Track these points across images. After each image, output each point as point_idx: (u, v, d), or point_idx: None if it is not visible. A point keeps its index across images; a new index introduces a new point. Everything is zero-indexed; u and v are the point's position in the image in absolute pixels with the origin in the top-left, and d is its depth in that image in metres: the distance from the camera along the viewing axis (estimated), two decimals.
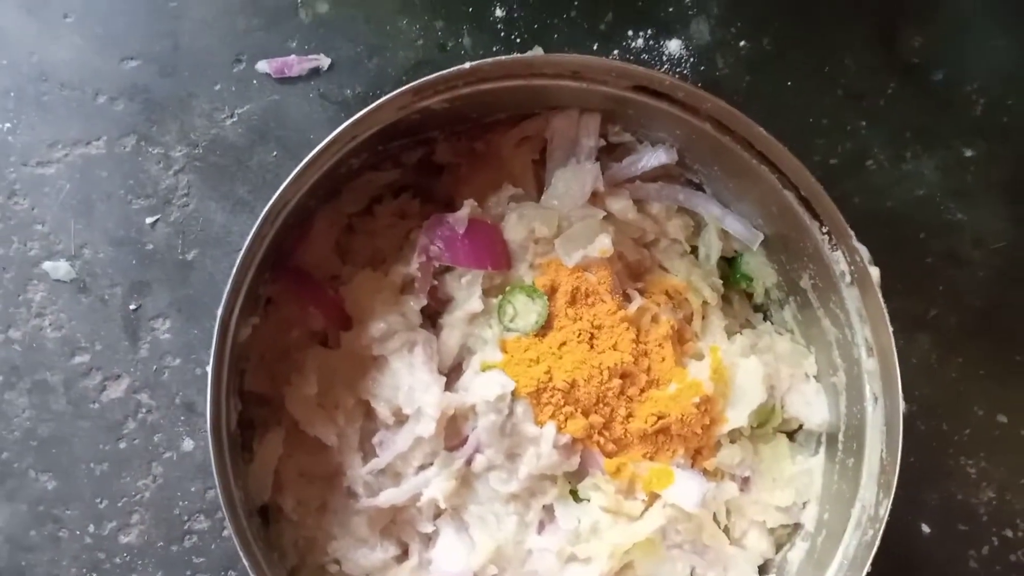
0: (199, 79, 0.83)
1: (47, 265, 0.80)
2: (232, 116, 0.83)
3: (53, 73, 0.82)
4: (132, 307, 0.80)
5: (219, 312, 0.61)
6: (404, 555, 0.71)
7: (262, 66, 0.83)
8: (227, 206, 0.81)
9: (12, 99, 0.81)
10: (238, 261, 0.62)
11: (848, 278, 0.69)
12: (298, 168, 0.64)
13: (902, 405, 0.65)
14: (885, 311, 0.67)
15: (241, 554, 0.60)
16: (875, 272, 0.67)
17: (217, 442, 0.61)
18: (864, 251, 0.67)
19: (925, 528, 0.85)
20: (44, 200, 0.80)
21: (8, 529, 0.77)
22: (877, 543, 0.65)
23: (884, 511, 0.65)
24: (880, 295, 0.67)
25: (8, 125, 0.81)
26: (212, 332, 0.62)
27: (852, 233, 0.67)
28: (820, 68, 0.89)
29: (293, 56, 0.83)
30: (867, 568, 0.65)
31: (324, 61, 0.83)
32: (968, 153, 0.90)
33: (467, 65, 0.65)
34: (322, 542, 0.70)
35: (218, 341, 0.61)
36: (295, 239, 0.71)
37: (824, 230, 0.69)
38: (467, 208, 0.71)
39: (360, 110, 0.64)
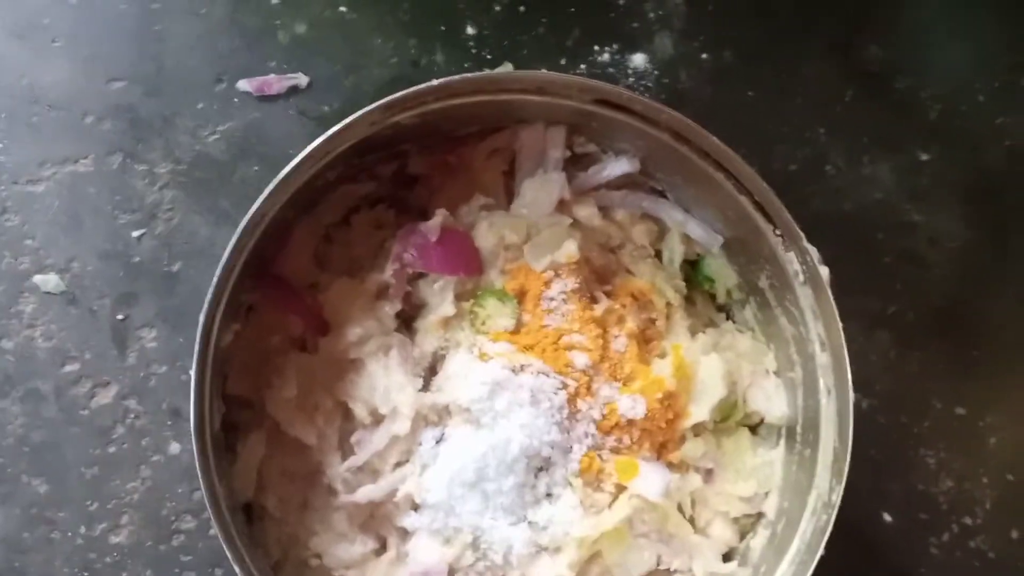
0: (183, 98, 0.85)
1: (38, 278, 0.82)
2: (215, 133, 0.85)
3: (42, 95, 0.84)
4: (120, 317, 0.82)
5: (201, 318, 0.64)
6: (382, 548, 0.73)
7: (243, 85, 0.85)
8: (211, 219, 0.84)
9: (3, 120, 0.83)
10: (218, 270, 0.64)
11: (801, 277, 0.72)
12: (275, 181, 0.66)
13: (852, 396, 0.68)
14: (835, 308, 0.69)
15: (226, 549, 0.62)
16: (824, 271, 0.70)
17: (201, 444, 0.63)
18: (814, 251, 0.70)
19: (887, 517, 0.87)
20: (34, 216, 0.82)
21: (2, 532, 0.79)
22: (830, 527, 0.67)
23: (837, 497, 0.68)
24: (830, 293, 0.69)
25: (0, 145, 0.83)
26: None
27: (802, 235, 0.70)
28: (781, 78, 0.92)
29: (273, 75, 0.86)
30: (821, 551, 0.67)
31: (303, 79, 0.86)
32: (924, 157, 0.93)
33: (435, 82, 0.68)
34: (304, 538, 0.71)
35: (200, 347, 0.64)
36: (275, 249, 0.73)
37: (777, 233, 0.72)
38: (439, 217, 0.74)
39: (336, 125, 0.67)
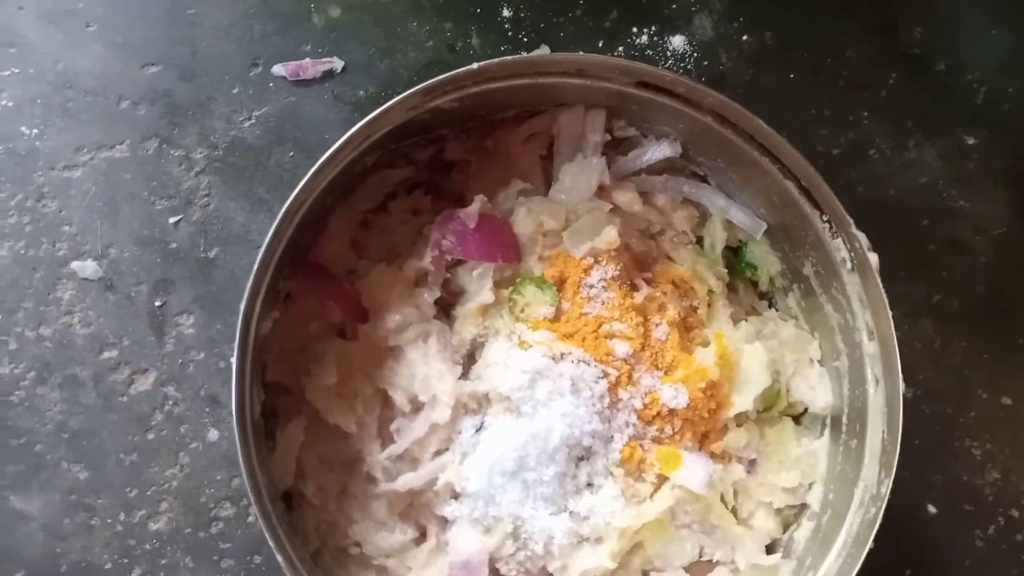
0: (217, 83, 0.85)
1: (75, 265, 0.82)
2: (250, 118, 0.85)
3: (77, 80, 0.84)
4: (157, 304, 0.82)
5: (242, 306, 0.64)
6: (422, 537, 0.73)
7: (278, 69, 0.85)
8: (246, 205, 0.84)
9: (39, 106, 0.83)
10: (259, 258, 0.64)
11: (849, 264, 0.71)
12: (315, 167, 0.66)
13: (902, 387, 0.67)
14: (884, 296, 0.68)
15: (267, 536, 0.62)
16: (874, 258, 0.68)
17: (242, 430, 0.63)
18: (863, 238, 0.69)
19: (932, 509, 0.86)
20: (71, 202, 0.83)
21: (43, 518, 0.80)
22: (879, 520, 0.67)
23: (886, 489, 0.67)
24: (879, 281, 0.68)
25: (36, 131, 0.83)
26: (234, 327, 0.64)
27: (851, 220, 0.69)
28: (822, 60, 0.91)
29: (307, 59, 0.85)
30: (870, 544, 0.67)
31: (337, 64, 0.86)
32: (969, 141, 0.91)
33: (475, 65, 0.67)
34: (343, 525, 0.72)
35: (241, 334, 0.64)
36: (312, 236, 0.73)
37: (824, 218, 0.70)
38: (478, 203, 0.73)
39: (373, 110, 0.67)
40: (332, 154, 0.66)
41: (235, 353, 0.63)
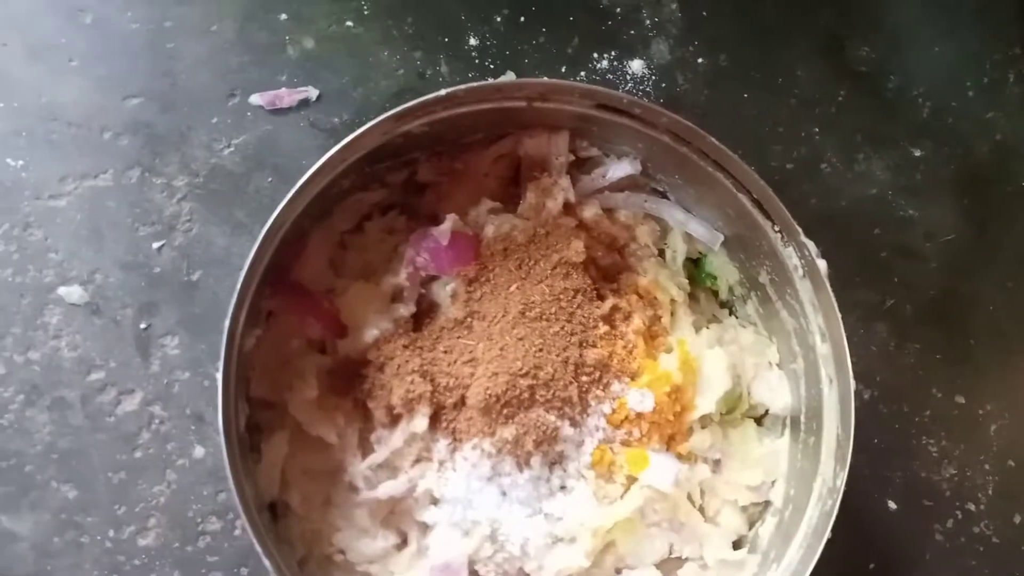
0: (197, 113, 0.88)
1: (62, 290, 0.84)
2: (229, 146, 0.88)
3: (61, 113, 0.86)
4: (143, 326, 0.84)
5: (226, 324, 0.66)
6: (404, 543, 0.75)
7: (255, 99, 0.88)
8: (227, 229, 0.86)
9: (24, 138, 0.86)
10: (241, 278, 0.67)
11: (800, 271, 0.74)
12: (292, 191, 0.68)
13: (852, 384, 0.70)
14: (834, 300, 0.72)
15: (255, 544, 0.63)
16: (823, 264, 0.72)
17: (229, 443, 0.65)
18: (812, 246, 0.72)
19: (892, 504, 0.89)
20: (57, 230, 0.85)
21: (33, 537, 0.81)
22: (835, 512, 0.69)
23: (841, 482, 0.70)
24: (828, 285, 0.72)
25: (21, 162, 0.85)
26: (217, 346, 0.66)
27: (800, 230, 0.72)
28: (774, 80, 0.95)
29: (284, 89, 0.89)
30: (828, 534, 0.69)
31: (312, 92, 0.89)
32: (916, 153, 0.96)
33: (443, 91, 0.70)
34: (327, 534, 0.73)
35: (226, 350, 0.66)
36: (292, 256, 0.75)
37: (776, 229, 0.74)
38: (450, 222, 0.76)
39: (347, 136, 0.69)
40: (309, 178, 0.69)
41: (220, 368, 0.65)
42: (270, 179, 0.87)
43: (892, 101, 0.96)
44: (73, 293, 0.84)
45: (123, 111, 0.87)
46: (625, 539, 0.75)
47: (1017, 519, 0.90)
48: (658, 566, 0.76)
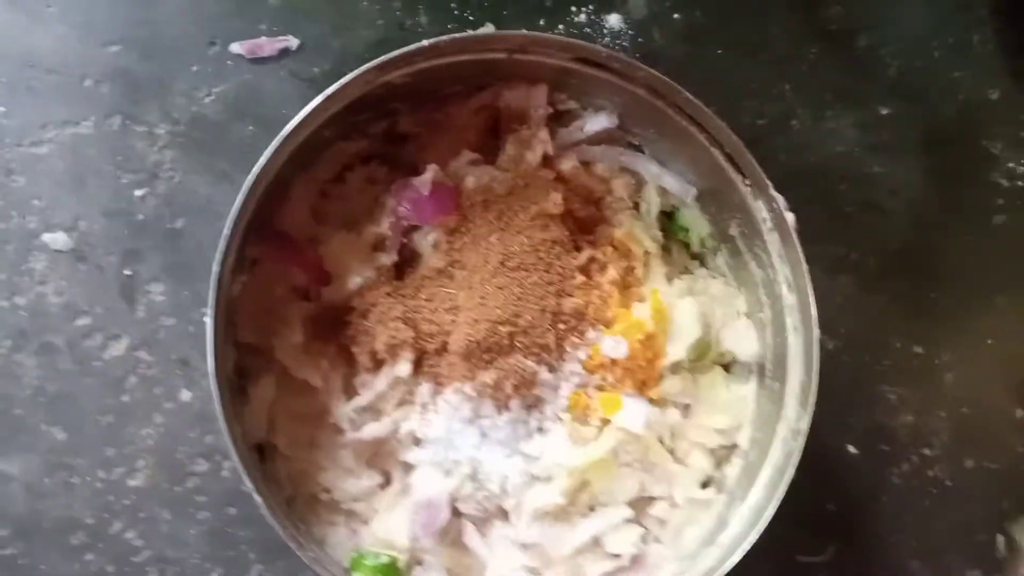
0: (177, 62, 0.88)
1: (46, 237, 0.84)
2: (210, 95, 0.88)
3: (40, 60, 0.86)
4: (127, 273, 0.85)
5: (214, 270, 0.67)
6: (387, 482, 0.77)
7: (235, 48, 0.88)
8: (210, 178, 0.87)
9: (3, 85, 0.85)
10: (228, 225, 0.67)
11: (769, 224, 0.76)
12: (276, 140, 0.69)
13: (816, 331, 0.73)
14: (800, 250, 0.74)
15: (245, 480, 0.65)
16: (790, 217, 0.74)
17: (219, 386, 0.66)
18: (781, 199, 0.74)
19: (852, 449, 0.92)
20: (39, 177, 0.85)
21: (24, 478, 0.82)
22: (798, 453, 0.72)
23: (804, 424, 0.73)
24: (796, 238, 0.74)
25: (2, 109, 0.85)
26: (202, 293, 0.67)
27: (769, 184, 0.74)
28: (748, 37, 0.96)
29: (264, 38, 0.88)
30: (790, 474, 0.72)
31: (293, 42, 0.89)
32: (884, 112, 0.97)
33: (425, 42, 0.71)
34: (313, 474, 0.75)
35: (215, 296, 0.67)
36: (275, 205, 0.76)
37: (747, 183, 0.76)
38: (430, 172, 0.77)
39: (328, 86, 0.70)
40: (292, 128, 0.69)
41: (209, 314, 0.67)
42: (251, 128, 0.88)
43: (862, 60, 0.98)
44: (58, 240, 0.84)
45: (103, 58, 0.87)
46: (599, 479, 0.77)
47: (969, 464, 0.94)
48: (630, 504, 0.79)
